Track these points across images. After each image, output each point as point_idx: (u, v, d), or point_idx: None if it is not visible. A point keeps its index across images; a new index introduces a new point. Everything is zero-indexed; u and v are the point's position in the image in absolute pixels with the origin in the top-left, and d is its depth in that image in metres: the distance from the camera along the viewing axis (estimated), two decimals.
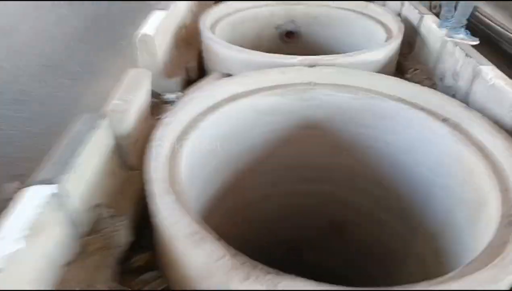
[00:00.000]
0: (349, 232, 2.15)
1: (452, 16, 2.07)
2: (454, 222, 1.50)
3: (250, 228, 2.10)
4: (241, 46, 2.77)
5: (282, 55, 1.97)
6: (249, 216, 2.07)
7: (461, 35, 1.98)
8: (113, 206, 1.33)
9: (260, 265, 0.90)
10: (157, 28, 2.06)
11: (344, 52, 2.73)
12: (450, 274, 0.93)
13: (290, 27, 2.92)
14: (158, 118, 1.93)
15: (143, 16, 2.36)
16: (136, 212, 1.39)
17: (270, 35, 2.93)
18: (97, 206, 1.29)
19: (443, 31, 2.07)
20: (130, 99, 1.47)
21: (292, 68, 1.84)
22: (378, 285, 2.06)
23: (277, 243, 2.23)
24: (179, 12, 2.56)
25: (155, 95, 2.20)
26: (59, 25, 3.78)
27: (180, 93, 2.18)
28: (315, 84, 1.82)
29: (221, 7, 2.63)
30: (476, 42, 1.93)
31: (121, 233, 1.26)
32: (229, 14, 2.67)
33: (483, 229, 1.27)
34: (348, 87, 1.79)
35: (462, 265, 1.37)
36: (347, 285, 2.20)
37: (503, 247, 1.02)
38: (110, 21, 3.89)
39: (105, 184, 1.33)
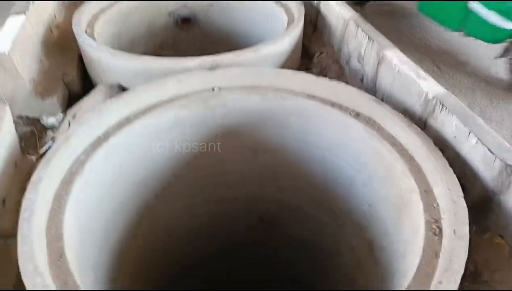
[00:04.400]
0: (279, 228, 2.09)
1: None
2: (378, 219, 1.48)
3: (177, 243, 1.93)
4: (131, 41, 2.46)
5: (176, 59, 1.71)
6: (174, 233, 1.89)
7: None
8: None
9: None
10: (14, 40, 1.64)
11: (247, 38, 2.58)
12: None
13: (184, 13, 2.63)
14: (39, 155, 1.61)
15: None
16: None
17: (164, 24, 2.61)
18: None
19: None
20: None
21: (191, 74, 1.61)
22: (315, 276, 2.07)
23: (207, 244, 2.11)
24: (44, 10, 2.11)
25: (31, 122, 1.82)
26: None
27: (61, 115, 1.83)
28: (220, 89, 1.62)
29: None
30: None
31: None
32: (110, 6, 2.28)
33: (407, 231, 1.24)
34: (256, 88, 1.63)
35: (391, 259, 1.38)
36: (281, 277, 2.19)
37: (434, 264, 0.97)
38: None
39: None
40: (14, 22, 1.76)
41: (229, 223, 2.05)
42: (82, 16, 2.03)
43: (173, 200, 1.76)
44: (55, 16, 2.25)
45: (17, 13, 1.83)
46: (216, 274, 2.15)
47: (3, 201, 1.22)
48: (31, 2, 1.96)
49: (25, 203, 1.02)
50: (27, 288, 0.84)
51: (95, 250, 1.26)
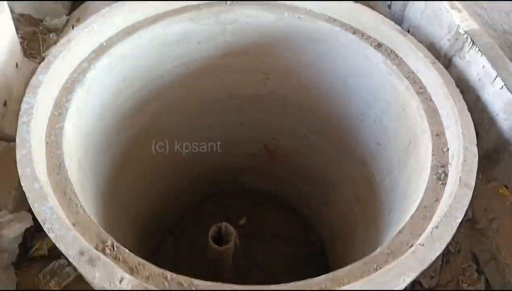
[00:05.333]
0: (284, 156, 2.09)
1: None
2: (384, 156, 1.45)
3: (181, 162, 1.95)
4: None
5: None
6: (178, 152, 1.90)
7: None
8: None
9: None
10: None
11: None
12: (378, 252, 0.86)
13: None
14: (42, 59, 1.55)
15: None
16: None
17: None
18: None
19: None
20: None
21: None
22: (313, 205, 2.12)
23: (212, 171, 2.15)
24: None
25: (34, 22, 1.73)
26: None
27: (65, 17, 1.73)
28: (232, 2, 1.49)
29: None
30: None
31: (5, 234, 1.03)
32: None
33: (411, 173, 1.21)
34: (272, 5, 1.49)
35: (391, 198, 1.39)
36: (283, 205, 2.24)
37: (433, 208, 0.96)
38: None
39: None
40: None
41: (234, 149, 2.04)
42: None
43: (178, 119, 1.73)
44: None
45: None
46: (216, 196, 2.21)
47: (4, 103, 1.20)
48: None
49: (24, 106, 1.00)
50: (26, 191, 0.85)
51: (97, 158, 1.27)
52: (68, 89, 1.14)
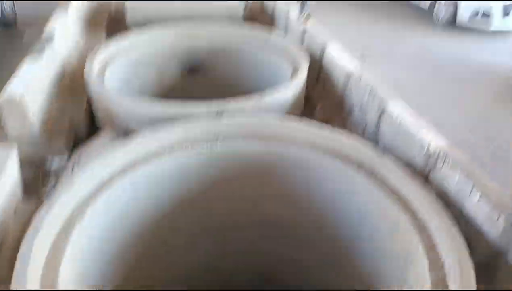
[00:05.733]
0: (280, 281, 2.01)
1: None
2: (382, 276, 1.43)
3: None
4: (140, 86, 2.53)
5: (184, 104, 1.75)
6: (170, 276, 1.82)
7: None
8: None
9: None
10: (27, 85, 1.70)
11: (253, 84, 2.65)
12: None
13: (193, 63, 2.73)
14: (40, 201, 1.60)
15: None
16: None
17: (172, 73, 2.70)
18: None
19: None
20: None
21: (197, 122, 1.65)
22: None
23: None
24: (58, 56, 2.19)
25: (35, 165, 1.83)
26: None
27: (66, 158, 1.84)
28: (224, 137, 1.64)
29: (111, 47, 2.33)
30: None
31: None
32: (120, 56, 2.37)
33: (412, 289, 1.19)
34: (260, 137, 1.65)
35: None
36: None
37: None
38: None
39: None
40: (29, 67, 1.83)
41: (227, 278, 1.98)
42: (94, 62, 2.11)
43: (171, 251, 1.72)
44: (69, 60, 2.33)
45: (33, 56, 1.91)
46: None
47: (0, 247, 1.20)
48: (47, 45, 2.04)
49: (21, 252, 1.01)
50: None
51: None
52: (66, 230, 1.17)
